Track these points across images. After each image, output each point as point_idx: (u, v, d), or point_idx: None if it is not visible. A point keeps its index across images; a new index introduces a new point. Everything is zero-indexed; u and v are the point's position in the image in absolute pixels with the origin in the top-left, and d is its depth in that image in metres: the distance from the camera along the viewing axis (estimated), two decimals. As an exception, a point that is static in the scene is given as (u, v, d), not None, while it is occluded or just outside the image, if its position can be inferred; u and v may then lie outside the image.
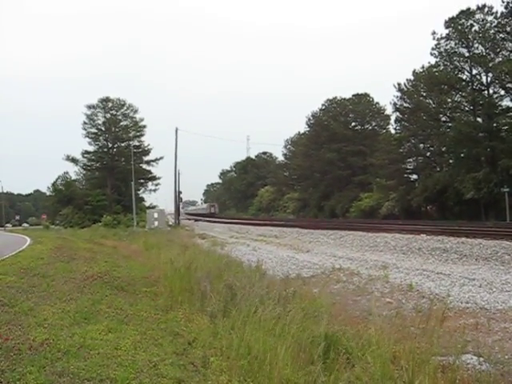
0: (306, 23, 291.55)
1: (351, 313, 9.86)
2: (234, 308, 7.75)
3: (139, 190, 77.79)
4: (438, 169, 54.80)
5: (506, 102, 46.76)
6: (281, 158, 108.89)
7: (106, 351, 6.21)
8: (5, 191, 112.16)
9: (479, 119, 47.96)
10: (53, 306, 8.69)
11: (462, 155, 48.43)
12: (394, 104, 56.61)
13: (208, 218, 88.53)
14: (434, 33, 49.98)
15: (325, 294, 11.81)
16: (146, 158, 78.43)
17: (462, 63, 49.02)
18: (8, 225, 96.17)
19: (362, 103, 77.00)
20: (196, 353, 6.51)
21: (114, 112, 76.79)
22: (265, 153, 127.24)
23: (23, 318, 7.62)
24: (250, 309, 7.44)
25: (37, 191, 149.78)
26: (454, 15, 48.86)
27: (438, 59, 50.79)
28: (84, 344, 6.43)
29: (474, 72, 48.30)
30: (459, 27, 48.21)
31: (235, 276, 11.18)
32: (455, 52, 49.10)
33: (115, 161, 76.17)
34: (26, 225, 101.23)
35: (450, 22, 48.97)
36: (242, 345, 6.12)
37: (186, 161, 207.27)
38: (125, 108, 77.16)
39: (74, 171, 79.74)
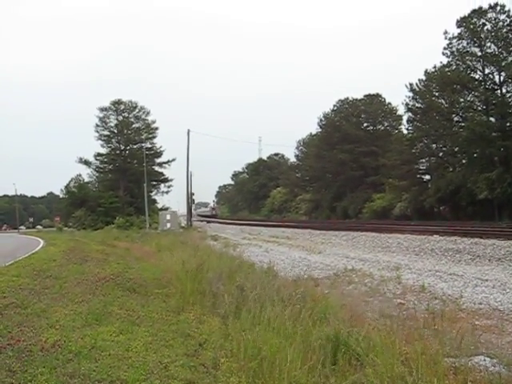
0: (318, 23, 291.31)
1: (363, 314, 9.82)
2: (245, 309, 7.75)
3: (152, 191, 78.00)
4: (451, 169, 54.35)
5: (519, 101, 46.47)
6: (293, 159, 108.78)
7: (117, 352, 6.24)
8: (19, 194, 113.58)
9: (492, 119, 47.56)
10: (65, 307, 8.74)
11: (475, 155, 48.03)
12: (406, 104, 56.28)
13: (218, 220, 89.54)
14: (445, 32, 49.67)
15: (336, 295, 11.79)
16: (158, 160, 78.67)
17: (474, 62, 48.61)
18: (22, 227, 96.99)
19: (373, 104, 76.69)
20: (207, 354, 6.52)
21: (126, 114, 77.15)
22: (277, 154, 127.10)
23: (35, 319, 7.67)
24: (261, 310, 7.43)
25: (50, 194, 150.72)
26: (466, 14, 48.58)
27: (450, 59, 50.41)
28: (95, 345, 6.47)
29: (487, 71, 47.92)
30: (471, 26, 47.84)
31: (247, 277, 11.18)
32: (467, 51, 48.70)
33: (128, 163, 76.46)
34: (39, 227, 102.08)
35: (462, 22, 48.62)
36: (251, 346, 6.12)
37: (198, 162, 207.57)
38: (137, 110, 77.51)
39: (86, 173, 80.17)
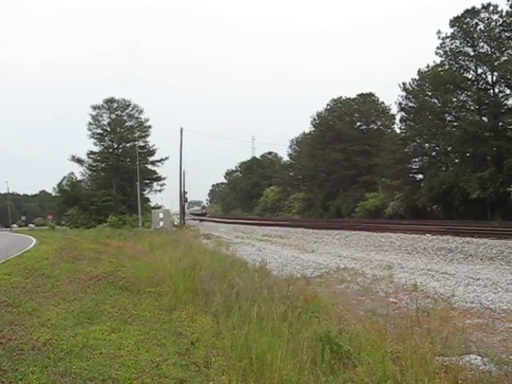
0: (311, 23, 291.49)
1: (355, 313, 9.84)
2: (237, 308, 7.75)
3: (144, 190, 77.87)
4: (444, 168, 54.57)
5: (511, 101, 46.72)
6: (286, 158, 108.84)
7: (108, 351, 6.24)
8: (11, 192, 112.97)
9: (485, 118, 47.77)
10: (57, 306, 8.72)
11: (468, 155, 48.24)
12: (399, 103, 56.53)
13: (211, 218, 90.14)
14: (439, 32, 49.84)
15: (328, 293, 11.81)
16: (151, 159, 78.51)
17: (467, 62, 48.79)
18: (14, 225, 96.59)
19: (366, 103, 76.87)
20: (199, 353, 6.52)
21: (119, 112, 76.90)
22: (270, 153, 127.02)
23: (27, 318, 7.65)
24: (252, 308, 7.43)
25: (42, 192, 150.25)
26: (459, 14, 48.73)
27: (443, 58, 50.60)
28: (87, 344, 6.46)
29: (480, 71, 48.10)
30: (464, 26, 48.02)
31: (239, 276, 11.17)
32: (460, 51, 48.87)
33: (120, 161, 76.26)
34: (31, 225, 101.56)
35: (455, 21, 48.77)
36: (242, 345, 6.12)
37: (191, 161, 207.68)
38: (130, 108, 77.28)
39: (79, 172, 79.98)
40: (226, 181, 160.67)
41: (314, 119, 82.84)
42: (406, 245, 23.27)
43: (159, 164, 78.51)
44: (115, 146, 77.64)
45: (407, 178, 57.42)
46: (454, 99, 50.30)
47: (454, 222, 34.99)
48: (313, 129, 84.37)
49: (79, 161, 75.93)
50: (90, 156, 76.88)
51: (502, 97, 47.16)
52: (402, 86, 55.27)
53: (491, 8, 46.75)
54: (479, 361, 6.85)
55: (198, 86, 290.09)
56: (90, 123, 76.02)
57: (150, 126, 77.89)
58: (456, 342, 7.21)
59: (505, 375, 6.35)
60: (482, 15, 47.41)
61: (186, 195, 72.15)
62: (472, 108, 49.48)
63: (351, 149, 72.13)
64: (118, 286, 11.50)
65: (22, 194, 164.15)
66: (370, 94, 78.20)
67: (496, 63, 45.96)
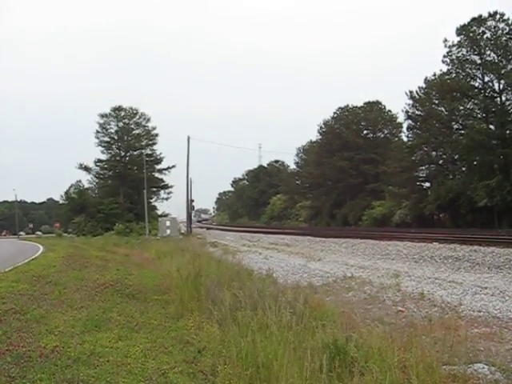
0: (319, 28, 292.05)
1: (362, 321, 9.81)
2: (243, 316, 7.74)
3: (151, 198, 77.98)
4: (451, 176, 54.43)
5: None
6: (293, 166, 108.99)
7: (115, 359, 6.25)
8: (18, 200, 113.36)
9: (492, 126, 47.65)
10: (64, 313, 8.75)
11: (475, 163, 48.08)
12: (406, 112, 56.48)
13: (218, 226, 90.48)
14: (445, 40, 49.89)
15: (335, 302, 11.78)
16: (158, 167, 78.73)
17: (473, 70, 48.80)
18: (22, 233, 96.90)
19: (373, 111, 76.90)
20: (205, 361, 6.52)
21: (126, 121, 77.18)
22: (277, 161, 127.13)
23: (34, 325, 7.68)
24: (258, 317, 7.42)
25: (50, 199, 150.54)
26: (466, 22, 48.77)
27: (449, 67, 50.64)
28: (94, 351, 6.48)
29: (486, 79, 48.11)
30: (471, 34, 48.06)
31: (245, 284, 11.17)
32: (467, 59, 48.91)
33: (128, 169, 76.47)
34: (39, 233, 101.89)
35: (462, 30, 48.83)
36: (249, 353, 6.12)
37: (198, 169, 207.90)
38: (137, 117, 77.57)
39: (86, 180, 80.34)
40: (232, 189, 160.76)
41: (321, 127, 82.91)
42: (413, 253, 23.21)
43: (166, 172, 78.83)
44: (122, 154, 77.91)
45: (414, 187, 57.24)
46: (461, 107, 50.28)
47: (461, 231, 34.86)
48: (320, 137, 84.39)
49: (86, 169, 76.31)
50: (98, 164, 77.22)
51: (509, 105, 47.10)
52: (408, 94, 55.28)
53: (498, 16, 46.85)
54: (486, 370, 6.81)
55: (204, 94, 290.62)
56: (98, 131, 76.46)
57: (157, 135, 78.28)
58: (463, 350, 7.18)
59: (512, 384, 6.31)
60: (489, 23, 47.47)
61: (193, 203, 72.28)
62: (479, 116, 49.44)
63: (358, 157, 72.11)
64: (125, 294, 11.53)
65: (29, 201, 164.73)
66: (377, 102, 78.25)
67: (503, 71, 45.96)
